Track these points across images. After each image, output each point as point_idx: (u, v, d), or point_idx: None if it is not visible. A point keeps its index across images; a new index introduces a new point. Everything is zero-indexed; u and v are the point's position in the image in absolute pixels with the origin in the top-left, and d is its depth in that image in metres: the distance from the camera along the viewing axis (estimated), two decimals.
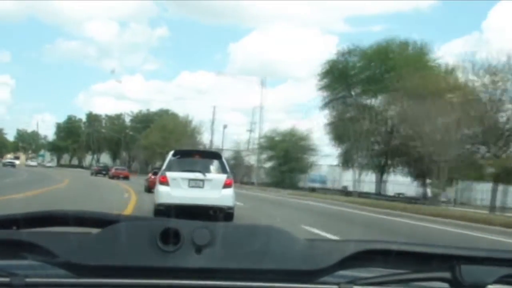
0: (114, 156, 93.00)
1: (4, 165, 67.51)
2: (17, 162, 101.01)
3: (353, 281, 1.05)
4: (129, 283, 0.98)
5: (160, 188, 11.70)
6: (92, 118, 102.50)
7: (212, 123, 68.18)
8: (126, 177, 46.24)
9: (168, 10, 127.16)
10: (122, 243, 0.99)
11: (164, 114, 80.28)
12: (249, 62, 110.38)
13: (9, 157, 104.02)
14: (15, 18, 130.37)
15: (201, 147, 56.54)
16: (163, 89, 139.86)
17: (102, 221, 1.08)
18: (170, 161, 12.05)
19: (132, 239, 0.99)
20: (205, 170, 11.83)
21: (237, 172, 48.53)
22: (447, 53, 75.27)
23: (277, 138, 56.27)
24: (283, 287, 1.02)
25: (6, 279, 0.95)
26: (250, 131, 63.43)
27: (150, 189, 24.75)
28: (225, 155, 49.62)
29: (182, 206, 11.27)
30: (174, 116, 76.91)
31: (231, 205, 11.77)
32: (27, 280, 0.96)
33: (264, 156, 57.53)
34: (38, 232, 1.08)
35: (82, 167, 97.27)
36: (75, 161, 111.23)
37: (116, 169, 52.62)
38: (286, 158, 53.59)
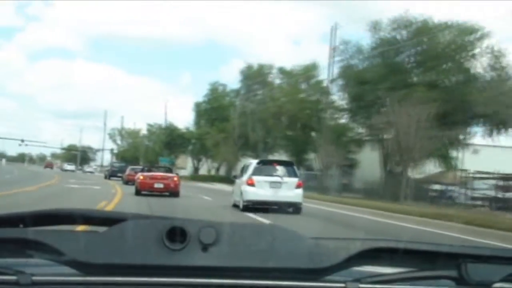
0: (299, 158, 37.31)
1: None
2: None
3: (359, 279, 1.05)
4: (136, 281, 0.98)
5: (248, 188, 15.43)
6: (251, 75, 45.10)
7: None
8: None
9: (339, 25, 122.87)
10: (129, 241, 0.99)
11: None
12: None
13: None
14: (193, 41, 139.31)
15: None
16: None
17: (108, 220, 1.08)
18: (255, 168, 15.92)
19: (139, 238, 0.99)
20: (282, 174, 15.69)
21: None
22: None
23: None
24: (289, 286, 1.02)
25: (13, 277, 0.96)
26: None
27: (139, 191, 20.89)
28: None
29: (265, 202, 15.26)
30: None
31: (301, 202, 15.44)
32: (34, 278, 0.96)
33: None
34: (44, 230, 1.07)
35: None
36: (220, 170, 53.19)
37: (133, 169, 32.78)
38: None
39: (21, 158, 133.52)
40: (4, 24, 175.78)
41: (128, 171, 33.90)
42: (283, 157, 35.71)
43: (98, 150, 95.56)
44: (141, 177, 21.89)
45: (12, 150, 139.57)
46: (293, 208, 15.28)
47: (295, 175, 15.94)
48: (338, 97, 35.03)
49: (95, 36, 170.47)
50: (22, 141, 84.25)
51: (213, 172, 55.60)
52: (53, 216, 1.14)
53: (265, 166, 16.33)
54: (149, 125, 72.79)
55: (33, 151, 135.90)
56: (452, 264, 1.07)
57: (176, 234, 0.98)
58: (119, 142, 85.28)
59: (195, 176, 54.02)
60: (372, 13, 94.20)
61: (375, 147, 30.72)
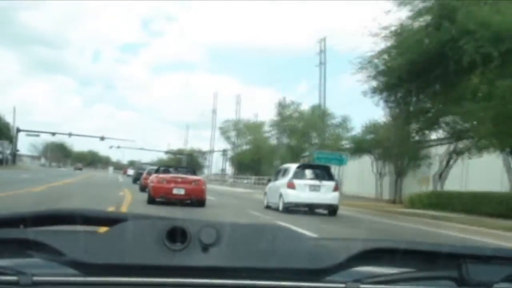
0: None
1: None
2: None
3: (360, 279, 1.05)
4: (136, 282, 0.98)
5: (289, 191, 16.25)
6: None
7: None
8: None
9: None
10: (130, 241, 0.99)
11: None
12: None
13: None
14: (308, 52, 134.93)
15: None
16: None
17: (109, 220, 1.08)
18: (295, 172, 16.79)
19: (139, 238, 0.99)
20: (320, 178, 16.59)
21: None
22: None
23: None
24: (290, 286, 1.02)
25: (14, 278, 0.96)
26: None
27: (153, 199, 15.60)
28: None
29: (304, 204, 16.19)
30: None
31: (337, 204, 16.35)
32: (35, 278, 0.96)
33: None
34: (45, 230, 1.08)
35: None
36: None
37: (150, 172, 23.81)
38: None
39: (129, 165, 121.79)
40: (130, 40, 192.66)
41: (144, 175, 24.96)
42: None
43: (205, 153, 75.41)
44: (156, 180, 15.91)
45: (125, 158, 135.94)
46: (330, 209, 16.16)
47: (332, 179, 16.90)
48: None
49: (215, 48, 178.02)
50: (102, 139, 78.07)
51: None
52: (54, 217, 1.15)
53: (304, 170, 17.31)
54: (281, 105, 43.76)
55: (144, 158, 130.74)
56: (452, 264, 1.07)
57: (177, 234, 0.98)
58: (235, 140, 59.86)
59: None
60: None
61: None
